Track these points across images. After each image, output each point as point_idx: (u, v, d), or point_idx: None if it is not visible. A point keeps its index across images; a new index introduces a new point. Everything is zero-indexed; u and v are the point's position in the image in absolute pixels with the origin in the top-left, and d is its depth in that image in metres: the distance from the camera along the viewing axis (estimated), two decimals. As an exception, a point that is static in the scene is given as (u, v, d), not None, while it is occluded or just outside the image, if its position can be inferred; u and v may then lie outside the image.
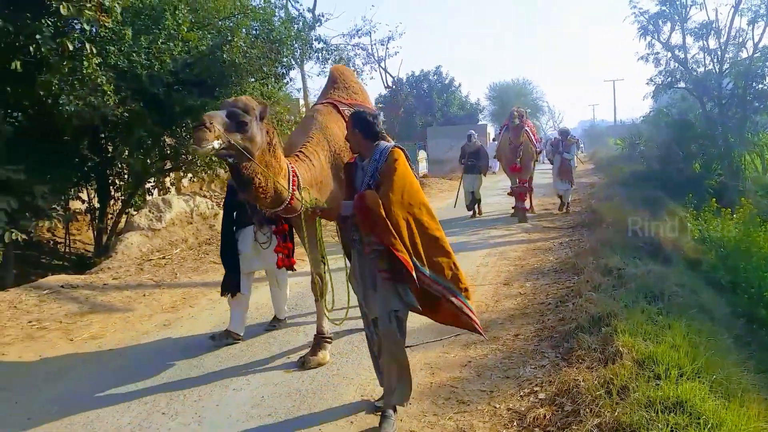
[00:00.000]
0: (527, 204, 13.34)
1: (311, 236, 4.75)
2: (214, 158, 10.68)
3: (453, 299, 3.66)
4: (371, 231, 3.56)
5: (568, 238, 10.18)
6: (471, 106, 41.89)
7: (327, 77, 5.75)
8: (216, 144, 3.65)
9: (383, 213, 3.47)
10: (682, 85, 21.16)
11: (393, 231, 3.47)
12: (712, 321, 5.60)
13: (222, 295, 5.66)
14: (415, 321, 5.87)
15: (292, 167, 4.36)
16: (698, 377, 3.75)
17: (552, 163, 14.12)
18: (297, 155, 4.65)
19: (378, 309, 3.68)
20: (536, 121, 53.75)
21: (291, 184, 4.27)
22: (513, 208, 13.17)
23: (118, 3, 8.03)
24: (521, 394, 4.17)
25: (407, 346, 5.11)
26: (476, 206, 13.87)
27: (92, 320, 6.38)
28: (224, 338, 5.45)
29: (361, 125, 3.74)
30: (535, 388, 4.20)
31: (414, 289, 3.59)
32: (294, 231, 5.40)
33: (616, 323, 4.70)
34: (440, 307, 3.73)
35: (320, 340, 4.98)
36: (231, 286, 5.50)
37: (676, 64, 20.91)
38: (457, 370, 4.69)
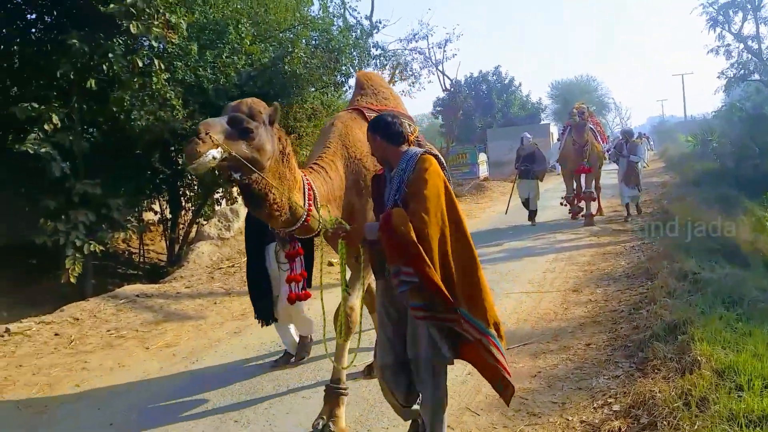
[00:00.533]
0: (593, 208, 12.67)
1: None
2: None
3: (491, 348, 3.06)
4: (399, 258, 2.91)
5: (639, 241, 9.85)
6: (532, 106, 41.17)
7: (354, 84, 5.26)
8: (214, 154, 3.06)
9: (413, 236, 2.86)
10: (756, 77, 20.26)
11: (427, 259, 2.86)
12: (798, 328, 5.31)
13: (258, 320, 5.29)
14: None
15: (308, 180, 3.72)
16: (786, 389, 3.56)
17: (618, 165, 12.85)
18: (311, 167, 3.96)
19: (410, 352, 3.16)
20: (602, 118, 52.39)
21: (307, 199, 3.64)
22: (570, 212, 12.67)
23: (183, 19, 8.34)
24: (594, 405, 4.05)
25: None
26: (533, 213, 12.92)
27: (166, 328, 6.61)
28: (285, 361, 5.33)
29: (381, 129, 3.20)
30: (609, 400, 4.07)
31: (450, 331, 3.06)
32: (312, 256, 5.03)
33: (692, 331, 4.51)
34: (468, 350, 3.17)
35: (336, 394, 4.02)
36: (260, 313, 5.22)
37: (750, 56, 20.05)
38: (527, 381, 4.60)
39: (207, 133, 3.06)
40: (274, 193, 3.41)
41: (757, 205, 12.99)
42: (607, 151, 13.30)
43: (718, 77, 20.78)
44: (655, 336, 4.78)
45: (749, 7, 19.62)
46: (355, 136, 4.24)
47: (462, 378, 4.71)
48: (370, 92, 4.93)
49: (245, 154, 3.21)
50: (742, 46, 20.35)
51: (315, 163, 4.01)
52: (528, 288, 7.46)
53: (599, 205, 13.33)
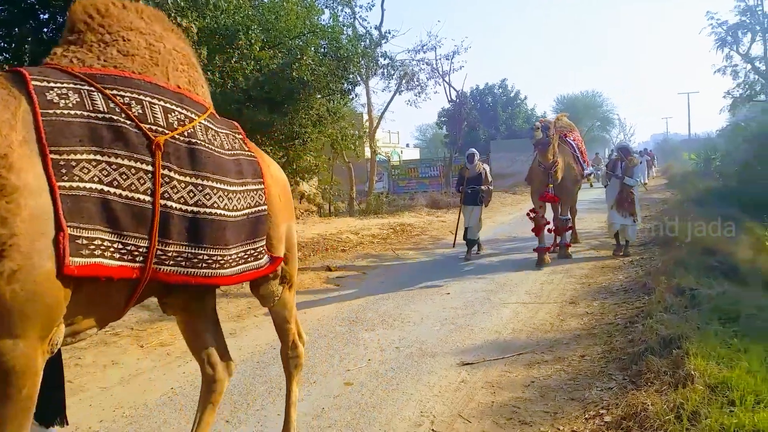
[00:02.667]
0: (568, 237, 10.49)
1: None
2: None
3: None
4: None
5: (638, 256, 9.86)
6: (537, 119, 41.28)
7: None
8: None
9: None
10: (762, 97, 20.28)
11: None
12: (793, 347, 5.30)
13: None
14: (476, 338, 5.84)
15: None
16: (777, 406, 3.55)
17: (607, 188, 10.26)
18: None
19: None
20: (606, 134, 52.42)
21: None
22: (535, 250, 9.80)
23: (194, 23, 8.42)
24: (586, 416, 4.05)
25: (467, 363, 5.11)
26: (476, 246, 10.97)
27: (161, 328, 6.61)
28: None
29: None
30: (601, 411, 4.07)
31: None
32: None
33: (687, 346, 4.50)
34: None
35: None
36: None
37: (757, 76, 20.09)
38: (520, 390, 4.60)
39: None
40: None
41: (759, 225, 12.98)
42: (588, 175, 11.65)
43: (724, 97, 20.89)
44: (650, 349, 4.78)
45: (758, 28, 19.68)
46: None
47: (455, 385, 4.72)
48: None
49: None
50: (749, 66, 20.45)
51: None
52: (525, 299, 7.47)
53: (574, 231, 11.33)
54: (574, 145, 10.74)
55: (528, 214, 10.30)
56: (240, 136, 3.05)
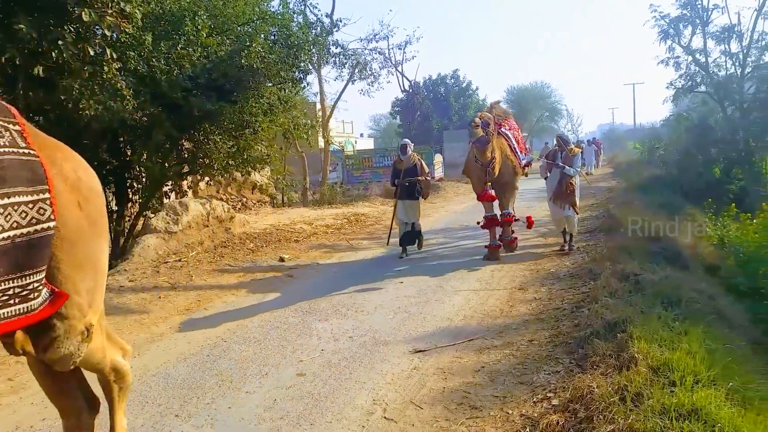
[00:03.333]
0: (509, 233, 9.64)
1: None
2: (230, 162, 10.82)
3: None
4: None
5: (584, 242, 10.10)
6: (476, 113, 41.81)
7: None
8: None
9: None
10: (702, 88, 20.99)
11: None
12: (730, 328, 5.53)
13: None
14: (428, 326, 5.89)
15: None
16: (714, 385, 3.70)
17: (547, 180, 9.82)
18: None
19: None
20: (554, 125, 53.40)
21: None
22: (487, 247, 9.40)
23: (138, 9, 8.14)
24: (534, 400, 4.14)
25: (419, 351, 5.16)
26: (418, 239, 10.15)
27: (108, 322, 6.44)
28: None
29: None
30: (549, 395, 4.17)
31: None
32: None
33: (631, 329, 4.65)
34: None
35: None
36: None
37: (697, 68, 20.74)
38: (470, 376, 4.67)
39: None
40: None
41: (699, 211, 13.49)
42: (527, 164, 10.33)
43: (667, 87, 21.49)
44: (596, 333, 4.92)
45: (698, 22, 20.29)
46: None
47: (407, 372, 4.76)
48: None
49: None
50: (690, 58, 21.07)
51: None
52: (476, 286, 7.57)
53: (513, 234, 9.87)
54: (510, 135, 9.85)
55: (478, 223, 9.71)
56: (14, 127, 2.32)
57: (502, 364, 4.87)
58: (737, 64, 19.74)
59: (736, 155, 19.14)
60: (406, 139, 10.90)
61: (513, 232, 9.82)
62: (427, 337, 5.58)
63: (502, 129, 9.75)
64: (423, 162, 10.15)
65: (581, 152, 9.72)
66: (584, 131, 63.12)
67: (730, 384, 3.72)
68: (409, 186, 9.75)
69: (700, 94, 21.76)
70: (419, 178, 9.77)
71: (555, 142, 10.10)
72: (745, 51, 19.53)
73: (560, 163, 9.33)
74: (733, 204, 13.27)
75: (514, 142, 9.82)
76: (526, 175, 10.59)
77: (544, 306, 6.50)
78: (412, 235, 9.92)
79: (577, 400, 3.88)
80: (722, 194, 15.84)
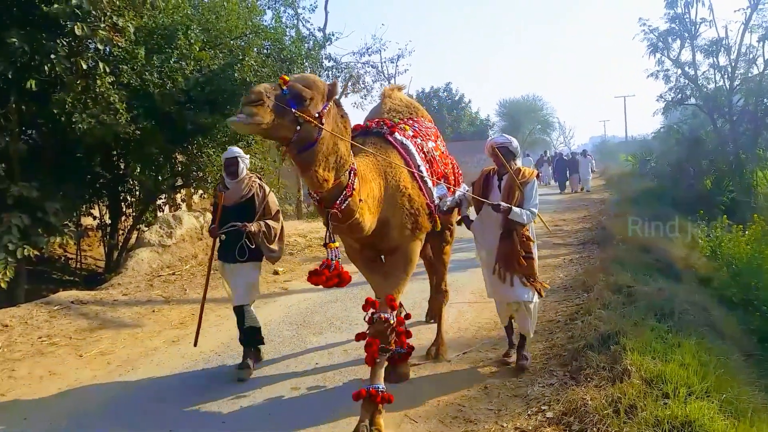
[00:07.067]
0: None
1: None
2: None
3: None
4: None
5: (578, 254, 10.13)
6: (481, 122, 42.08)
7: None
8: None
9: None
10: (692, 101, 21.13)
11: None
12: (723, 339, 5.56)
13: None
14: (423, 338, 5.89)
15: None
16: (707, 396, 3.72)
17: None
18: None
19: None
20: (546, 137, 53.70)
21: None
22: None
23: (131, 23, 8.20)
24: (529, 413, 4.14)
25: (415, 364, 5.15)
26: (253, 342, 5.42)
27: (101, 336, 6.42)
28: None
29: None
30: (543, 407, 4.17)
31: None
32: None
33: (624, 341, 4.67)
34: None
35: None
36: None
37: (686, 81, 20.89)
38: (465, 389, 4.67)
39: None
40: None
41: (690, 223, 13.55)
42: (454, 205, 5.26)
43: (657, 100, 21.58)
44: (589, 346, 4.92)
45: (686, 35, 20.48)
46: None
47: (402, 386, 4.74)
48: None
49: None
50: (679, 71, 21.21)
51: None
52: (471, 298, 7.57)
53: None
54: (412, 146, 4.77)
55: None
56: None
57: (496, 377, 4.87)
58: (726, 77, 19.91)
59: (726, 167, 19.25)
60: (235, 148, 5.54)
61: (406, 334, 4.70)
62: (421, 350, 5.56)
63: (397, 134, 4.77)
64: (268, 190, 5.51)
65: (538, 177, 5.18)
66: (576, 143, 63.43)
67: (724, 396, 3.74)
68: (234, 236, 5.21)
69: (690, 106, 21.92)
70: (251, 226, 5.17)
71: (488, 152, 5.06)
72: (733, 64, 19.71)
73: (499, 201, 4.79)
74: (725, 215, 13.33)
75: (418, 157, 4.74)
76: (445, 231, 5.53)
77: (537, 318, 6.50)
78: (248, 332, 5.36)
79: (571, 412, 3.89)
80: (713, 206, 15.89)
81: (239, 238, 5.17)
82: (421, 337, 5.81)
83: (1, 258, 7.00)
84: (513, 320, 5.23)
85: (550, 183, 28.57)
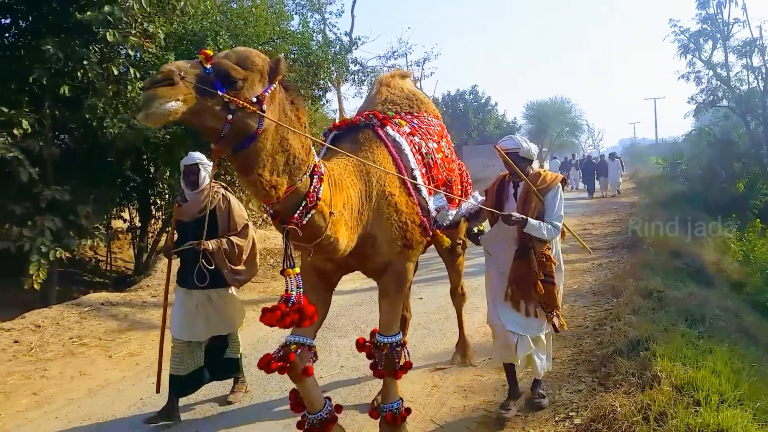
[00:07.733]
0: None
1: None
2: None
3: None
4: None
5: (607, 259, 9.99)
6: (507, 125, 41.82)
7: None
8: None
9: None
10: (724, 103, 20.77)
11: None
12: (756, 346, 5.43)
13: None
14: (448, 342, 5.86)
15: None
16: (740, 404, 3.63)
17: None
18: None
19: None
20: (574, 140, 53.14)
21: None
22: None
23: (161, 29, 8.34)
24: (556, 419, 4.09)
25: (439, 368, 5.13)
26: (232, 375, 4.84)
27: (131, 337, 6.51)
28: None
29: None
30: (571, 413, 4.12)
31: None
32: None
33: (654, 347, 4.58)
34: None
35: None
36: None
37: (718, 83, 20.54)
38: (491, 394, 4.63)
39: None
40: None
41: (723, 227, 13.29)
42: (461, 217, 4.54)
43: (688, 102, 21.27)
44: (618, 352, 4.85)
45: (719, 36, 20.13)
46: None
47: (427, 391, 4.74)
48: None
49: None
50: (711, 73, 20.87)
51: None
52: (497, 303, 7.50)
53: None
54: (406, 145, 3.92)
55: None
56: None
57: (523, 383, 4.81)
58: (759, 78, 19.52)
59: (759, 170, 18.86)
60: (196, 153, 4.77)
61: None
62: (447, 355, 5.54)
63: (389, 128, 3.94)
64: (234, 202, 4.68)
65: (563, 183, 4.28)
66: (605, 146, 62.75)
67: (758, 404, 3.65)
68: (191, 257, 4.48)
69: (722, 108, 21.54)
70: (207, 244, 4.39)
71: (500, 156, 4.19)
72: (767, 65, 19.32)
73: (512, 211, 4.04)
74: (758, 219, 13.05)
75: (413, 159, 3.90)
76: (455, 246, 5.05)
77: (565, 323, 6.42)
78: (197, 377, 4.55)
79: (599, 419, 3.82)
80: (746, 209, 15.59)
81: (197, 256, 4.36)
82: (448, 342, 5.77)
83: (35, 260, 7.15)
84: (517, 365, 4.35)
85: (577, 187, 28.26)
